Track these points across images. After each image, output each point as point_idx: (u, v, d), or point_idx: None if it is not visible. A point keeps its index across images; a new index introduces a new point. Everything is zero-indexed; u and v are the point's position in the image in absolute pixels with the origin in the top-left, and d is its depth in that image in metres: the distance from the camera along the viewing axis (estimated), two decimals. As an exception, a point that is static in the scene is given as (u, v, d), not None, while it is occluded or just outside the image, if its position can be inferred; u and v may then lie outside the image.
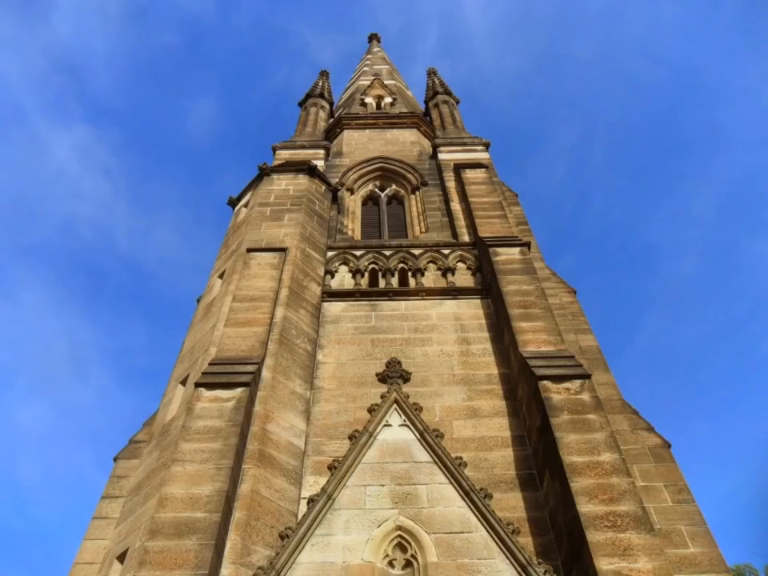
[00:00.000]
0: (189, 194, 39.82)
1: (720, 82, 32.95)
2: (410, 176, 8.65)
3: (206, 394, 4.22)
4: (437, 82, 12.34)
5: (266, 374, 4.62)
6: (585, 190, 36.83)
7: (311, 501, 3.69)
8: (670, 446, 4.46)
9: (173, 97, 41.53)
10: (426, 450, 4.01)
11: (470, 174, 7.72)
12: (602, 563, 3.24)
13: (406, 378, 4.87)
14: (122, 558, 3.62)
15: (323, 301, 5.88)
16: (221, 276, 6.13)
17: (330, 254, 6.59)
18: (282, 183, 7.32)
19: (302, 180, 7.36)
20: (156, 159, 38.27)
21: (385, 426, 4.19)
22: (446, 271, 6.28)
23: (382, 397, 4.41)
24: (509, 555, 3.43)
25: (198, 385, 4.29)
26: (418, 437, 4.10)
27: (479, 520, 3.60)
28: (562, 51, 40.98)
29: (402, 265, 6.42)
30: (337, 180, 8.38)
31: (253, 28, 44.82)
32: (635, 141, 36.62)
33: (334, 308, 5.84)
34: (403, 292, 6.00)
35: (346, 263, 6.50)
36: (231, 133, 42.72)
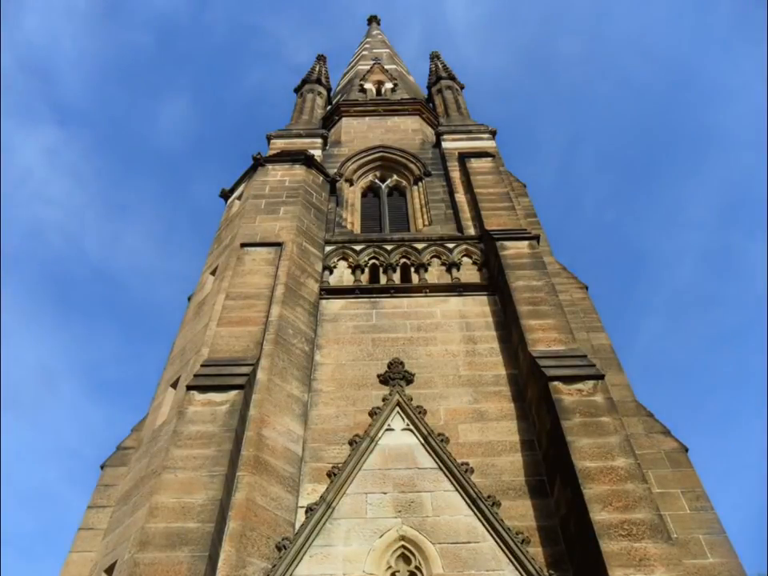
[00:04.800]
0: (162, 198, 37.27)
1: (714, 80, 31.71)
2: (412, 166, 8.35)
3: (199, 397, 4.05)
4: (440, 66, 11.90)
5: (261, 375, 4.44)
6: (574, 193, 35.40)
7: (309, 510, 3.55)
8: (687, 451, 4.30)
9: (144, 98, 39.15)
10: (430, 455, 3.87)
11: (475, 164, 7.45)
12: (617, 574, 3.10)
13: (408, 379, 4.66)
14: (110, 570, 3.47)
15: (321, 298, 5.65)
16: (213, 272, 5.91)
17: (328, 248, 6.34)
18: (278, 174, 7.06)
19: (299, 171, 7.09)
20: (128, 162, 35.99)
21: (387, 430, 4.05)
22: (451, 266, 6.05)
23: (383, 399, 4.25)
24: (518, 566, 3.31)
25: (189, 387, 4.11)
26: (422, 441, 3.96)
27: (487, 529, 3.48)
28: (549, 48, 38.81)
29: (404, 260, 6.19)
30: (335, 170, 8.09)
31: (227, 25, 42.38)
32: (627, 140, 35.14)
33: (332, 306, 5.61)
34: (405, 288, 5.78)
35: (345, 258, 6.26)
36: (205, 134, 40.20)
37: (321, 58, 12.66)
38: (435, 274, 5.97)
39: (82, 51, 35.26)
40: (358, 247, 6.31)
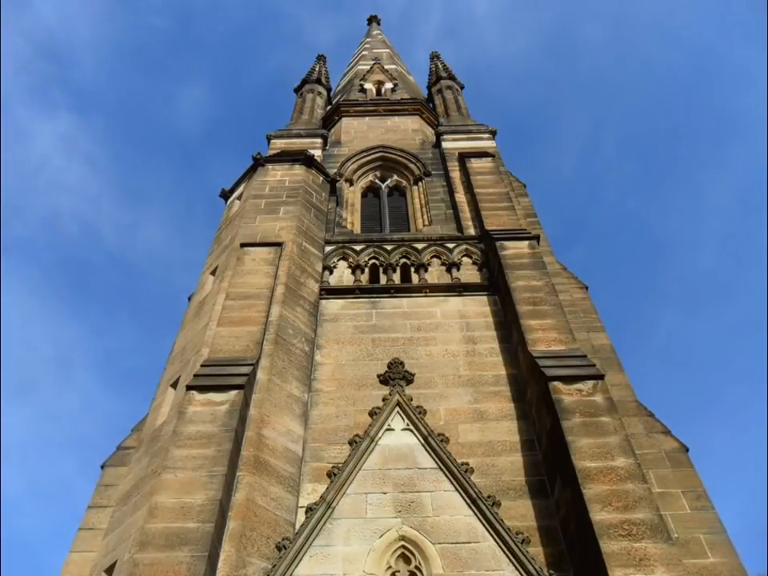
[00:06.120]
0: (179, 185, 36.76)
1: (738, 66, 30.98)
2: (412, 166, 8.35)
3: (198, 397, 4.03)
4: (440, 66, 11.90)
5: (261, 375, 4.43)
6: (595, 181, 34.66)
7: (309, 510, 3.53)
8: (687, 450, 4.28)
9: (161, 83, 38.74)
10: (430, 455, 3.86)
11: (475, 164, 7.44)
12: (617, 574, 3.09)
13: (408, 379, 4.64)
14: (110, 570, 3.46)
15: (321, 298, 5.64)
16: (213, 272, 5.90)
17: (328, 248, 6.33)
18: (278, 174, 7.05)
19: (299, 171, 7.08)
20: (144, 149, 35.43)
21: (387, 430, 4.03)
22: (451, 266, 6.04)
23: (383, 399, 4.23)
24: (518, 566, 3.29)
25: (189, 387, 4.10)
26: (422, 441, 3.94)
27: (487, 529, 3.46)
28: (572, 33, 38.07)
29: (404, 260, 6.18)
30: (335, 170, 8.08)
31: (245, 10, 41.78)
32: (649, 127, 34.25)
33: (332, 306, 5.60)
34: (405, 288, 5.77)
35: (345, 258, 6.25)
36: (224, 120, 39.55)
37: (321, 58, 12.63)
38: (435, 274, 5.96)
39: (98, 36, 34.71)
40: (358, 247, 6.30)
